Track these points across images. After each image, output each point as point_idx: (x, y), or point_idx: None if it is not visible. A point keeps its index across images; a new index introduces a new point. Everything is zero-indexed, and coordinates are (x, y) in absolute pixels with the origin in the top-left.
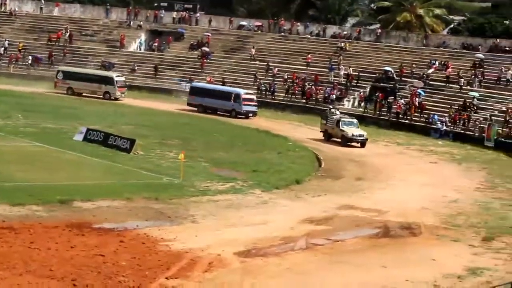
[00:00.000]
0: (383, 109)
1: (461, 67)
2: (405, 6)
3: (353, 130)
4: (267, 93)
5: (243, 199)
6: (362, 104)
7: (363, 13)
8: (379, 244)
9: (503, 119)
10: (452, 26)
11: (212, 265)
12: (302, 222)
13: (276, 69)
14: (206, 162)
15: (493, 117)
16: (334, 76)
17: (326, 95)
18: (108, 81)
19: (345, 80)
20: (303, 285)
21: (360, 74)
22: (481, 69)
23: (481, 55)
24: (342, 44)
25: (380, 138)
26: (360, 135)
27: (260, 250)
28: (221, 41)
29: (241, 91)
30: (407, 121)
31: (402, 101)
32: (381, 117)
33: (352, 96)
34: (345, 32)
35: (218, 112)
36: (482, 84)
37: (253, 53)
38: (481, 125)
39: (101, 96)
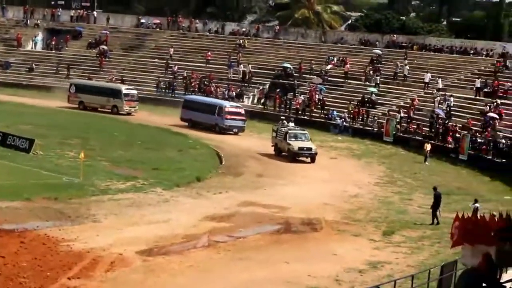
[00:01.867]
0: (282, 105)
1: (359, 63)
2: (303, 2)
3: (300, 143)
4: (167, 91)
5: (145, 198)
6: (262, 101)
7: (261, 10)
8: (281, 240)
9: (401, 114)
10: (349, 22)
11: (114, 264)
12: (204, 220)
13: (176, 67)
14: (106, 161)
15: (391, 112)
16: (233, 73)
17: (226, 92)
18: (116, 94)
19: (243, 77)
20: (206, 282)
21: (259, 71)
22: (378, 65)
23: (378, 51)
24: (241, 41)
25: None
26: (307, 149)
27: (162, 248)
28: (120, 39)
29: (225, 103)
30: (306, 117)
31: (302, 97)
32: (281, 114)
33: (252, 93)
34: (243, 29)
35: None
36: (380, 79)
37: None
38: (380, 121)
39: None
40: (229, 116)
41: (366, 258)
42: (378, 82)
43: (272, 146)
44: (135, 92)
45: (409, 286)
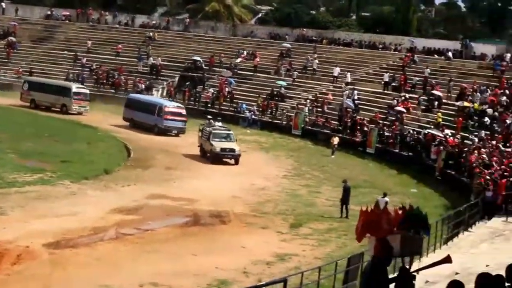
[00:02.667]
0: (191, 98)
1: (269, 56)
2: None
3: (223, 144)
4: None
5: (52, 190)
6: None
7: (171, 3)
8: (189, 232)
9: (308, 107)
10: (259, 15)
11: (21, 257)
12: (112, 212)
13: (85, 59)
14: (13, 154)
15: (300, 106)
16: (143, 66)
17: (135, 85)
18: (65, 92)
19: (153, 70)
20: (113, 275)
21: (169, 63)
22: (288, 59)
23: (288, 45)
24: (151, 34)
25: (190, 127)
26: (230, 150)
27: (70, 241)
28: (29, 30)
29: (166, 103)
30: (216, 110)
31: (211, 90)
32: (190, 107)
33: (161, 86)
34: (153, 22)
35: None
36: (289, 73)
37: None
38: (289, 114)
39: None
40: (169, 117)
41: (274, 250)
42: (295, 76)
43: (198, 146)
44: (86, 91)
45: (316, 278)
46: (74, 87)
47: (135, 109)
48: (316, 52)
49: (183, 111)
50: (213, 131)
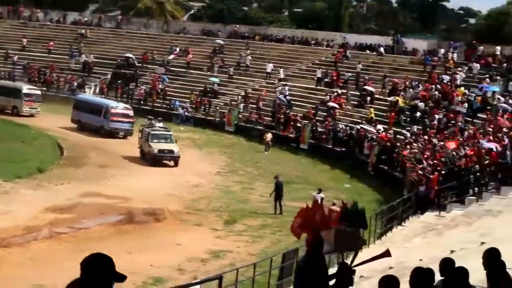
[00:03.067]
0: (124, 96)
1: (202, 53)
2: None
3: (162, 145)
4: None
5: None
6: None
7: None
8: (123, 230)
9: (240, 103)
10: (192, 12)
11: None
12: (46, 211)
13: (16, 56)
14: None
15: (233, 102)
16: (75, 63)
17: (67, 82)
18: (16, 93)
19: (86, 67)
20: (47, 274)
21: (101, 61)
22: (221, 55)
23: (220, 41)
24: (83, 31)
25: None
26: (169, 151)
27: (3, 240)
28: None
29: (112, 104)
30: (148, 107)
31: (144, 87)
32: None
33: (94, 83)
34: (85, 19)
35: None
36: (222, 69)
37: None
38: (222, 110)
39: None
40: (115, 118)
41: (209, 247)
42: (231, 73)
43: (139, 148)
44: (37, 92)
45: (251, 274)
46: (25, 88)
47: (82, 111)
48: (249, 49)
49: (131, 112)
50: (152, 132)
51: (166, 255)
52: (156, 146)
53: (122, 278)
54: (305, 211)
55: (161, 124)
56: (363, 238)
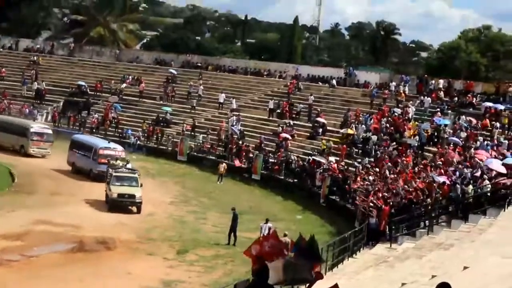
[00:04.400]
0: (77, 124)
1: (155, 82)
2: (98, 20)
3: (123, 189)
4: None
5: None
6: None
7: (56, 27)
8: (75, 258)
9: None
10: (145, 41)
11: None
12: None
13: None
14: None
15: (185, 132)
16: (27, 90)
17: (19, 110)
18: (23, 132)
19: (38, 94)
20: None
21: (54, 88)
22: (173, 84)
23: (173, 71)
24: (35, 58)
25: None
26: (130, 196)
27: None
28: None
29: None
30: (101, 136)
31: (97, 115)
32: (75, 132)
33: (45, 111)
34: (38, 46)
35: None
36: (174, 99)
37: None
38: (174, 140)
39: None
40: (103, 160)
41: (161, 276)
42: (194, 104)
43: (105, 190)
44: (49, 131)
45: None
46: (35, 126)
47: (76, 152)
48: (202, 78)
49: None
50: (114, 174)
51: (117, 284)
52: (116, 190)
53: None
54: (261, 240)
55: (130, 165)
56: (319, 272)
